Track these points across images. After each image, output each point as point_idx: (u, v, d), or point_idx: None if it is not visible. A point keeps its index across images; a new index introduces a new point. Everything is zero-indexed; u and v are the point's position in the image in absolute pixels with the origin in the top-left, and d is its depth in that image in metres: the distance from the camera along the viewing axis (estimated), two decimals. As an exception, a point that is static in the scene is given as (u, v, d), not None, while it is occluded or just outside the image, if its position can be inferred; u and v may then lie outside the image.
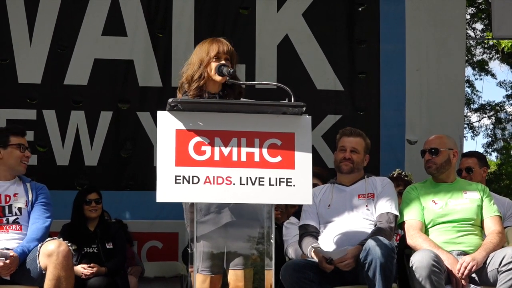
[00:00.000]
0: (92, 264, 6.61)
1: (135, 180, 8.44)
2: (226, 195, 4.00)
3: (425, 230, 5.40)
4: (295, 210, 6.21)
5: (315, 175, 5.80)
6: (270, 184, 4.02)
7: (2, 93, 8.40)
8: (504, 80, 21.73)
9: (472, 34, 19.31)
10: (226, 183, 3.99)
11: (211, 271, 4.39)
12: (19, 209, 5.34)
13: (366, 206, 5.39)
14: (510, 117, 21.90)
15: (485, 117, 22.34)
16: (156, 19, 8.70)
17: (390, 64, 8.90)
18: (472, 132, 22.27)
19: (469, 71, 20.49)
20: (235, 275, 4.39)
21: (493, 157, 22.48)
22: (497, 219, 5.41)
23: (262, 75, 8.40)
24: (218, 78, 4.51)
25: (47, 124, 8.38)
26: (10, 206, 5.33)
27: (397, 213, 5.38)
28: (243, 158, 4.03)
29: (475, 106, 21.93)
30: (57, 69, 8.47)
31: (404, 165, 8.43)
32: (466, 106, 20.46)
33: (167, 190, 3.95)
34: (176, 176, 3.96)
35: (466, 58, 16.75)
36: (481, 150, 21.48)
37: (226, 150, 4.02)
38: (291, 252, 5.88)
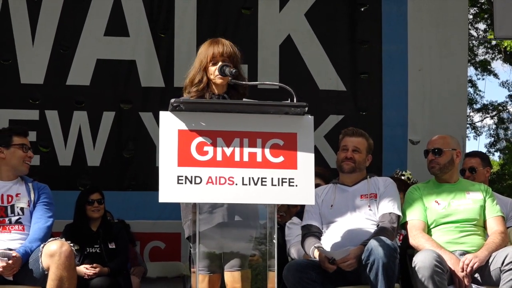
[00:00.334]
0: (94, 264, 6.61)
1: (138, 180, 8.45)
2: (229, 195, 4.00)
3: (428, 230, 5.40)
4: (298, 210, 6.20)
5: (318, 175, 5.80)
6: (272, 184, 4.02)
7: (4, 93, 8.41)
8: (507, 80, 21.77)
9: (474, 34, 19.31)
10: (229, 183, 3.99)
11: (210, 271, 4.39)
12: (22, 209, 5.34)
13: (369, 206, 5.39)
14: (513, 117, 21.92)
15: (487, 117, 22.36)
16: (158, 19, 8.71)
17: (392, 65, 8.91)
18: (475, 132, 22.28)
19: (471, 71, 20.51)
20: (231, 277, 4.39)
21: (495, 157, 22.49)
22: (500, 219, 5.41)
23: (264, 75, 8.40)
24: (219, 81, 4.52)
25: (50, 125, 8.39)
26: (12, 206, 5.33)
27: (400, 213, 5.37)
28: (246, 158, 4.03)
29: (478, 106, 21.95)
30: (59, 69, 8.48)
31: (407, 165, 8.42)
32: (469, 106, 20.47)
33: (169, 190, 3.95)
34: (178, 177, 3.95)
35: (469, 58, 16.77)
36: (483, 150, 21.54)
37: (228, 150, 4.02)
38: (294, 252, 5.87)
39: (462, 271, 5.04)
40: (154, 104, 8.30)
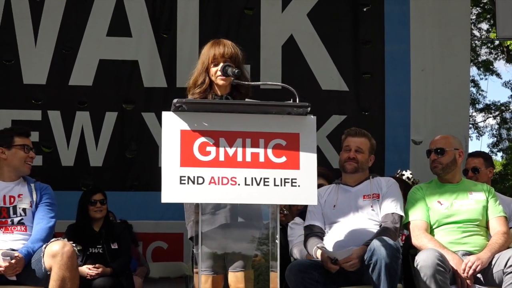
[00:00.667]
0: (97, 265, 6.61)
1: (140, 181, 8.46)
2: (231, 196, 4.00)
3: (431, 230, 5.39)
4: (300, 210, 6.20)
5: (321, 175, 5.81)
6: (275, 185, 4.02)
7: (7, 93, 8.42)
8: (510, 80, 21.75)
9: (477, 34, 19.30)
10: (231, 184, 3.99)
11: (213, 271, 4.39)
12: (24, 209, 5.34)
13: (371, 206, 5.38)
14: (516, 117, 21.90)
15: (490, 117, 22.34)
16: (160, 19, 8.72)
17: (395, 65, 8.90)
18: (477, 132, 22.26)
19: (474, 71, 20.50)
20: (235, 277, 4.39)
21: (498, 157, 22.47)
22: (502, 219, 5.40)
23: (267, 75, 8.40)
24: (221, 82, 4.53)
25: (52, 125, 8.40)
26: (14, 207, 5.33)
27: (402, 214, 5.37)
28: (248, 158, 4.03)
29: (480, 106, 21.93)
30: (62, 69, 8.49)
31: (409, 165, 8.41)
32: (471, 106, 20.47)
33: (172, 191, 3.95)
34: (181, 177, 3.95)
35: (471, 58, 16.75)
36: (486, 150, 21.49)
37: (231, 151, 4.02)
38: (296, 252, 5.87)
39: (465, 273, 5.04)
40: (157, 105, 8.31)
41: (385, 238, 4.97)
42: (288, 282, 5.06)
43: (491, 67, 20.92)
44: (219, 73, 4.51)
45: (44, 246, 5.04)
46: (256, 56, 8.58)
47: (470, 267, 5.03)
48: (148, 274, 7.85)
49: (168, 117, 4.01)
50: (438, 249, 5.08)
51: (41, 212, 5.36)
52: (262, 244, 4.23)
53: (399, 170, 7.26)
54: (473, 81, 20.56)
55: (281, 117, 4.09)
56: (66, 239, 5.13)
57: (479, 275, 5.11)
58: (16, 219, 5.30)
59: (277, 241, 4.09)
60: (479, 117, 22.32)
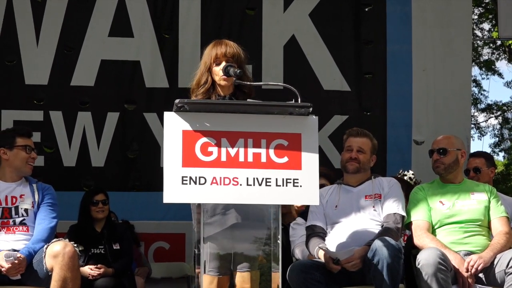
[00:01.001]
0: (99, 265, 6.62)
1: (142, 181, 8.45)
2: (233, 196, 4.00)
3: (432, 230, 5.39)
4: (302, 211, 6.20)
5: (323, 175, 5.81)
6: (277, 185, 4.02)
7: (9, 94, 8.42)
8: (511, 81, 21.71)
9: (479, 34, 19.29)
10: (233, 184, 3.99)
11: (219, 272, 4.38)
12: (26, 210, 5.34)
13: (373, 206, 5.39)
14: (517, 117, 21.88)
15: (492, 117, 22.31)
16: (162, 20, 8.71)
17: (396, 65, 8.90)
18: (479, 132, 22.24)
19: (476, 70, 20.47)
20: (241, 277, 4.38)
21: (500, 157, 22.46)
22: (504, 220, 5.40)
23: (268, 75, 8.40)
24: (223, 82, 4.54)
25: (54, 125, 8.40)
26: (16, 208, 5.33)
27: (404, 214, 5.37)
28: (250, 158, 4.03)
29: (482, 106, 21.90)
30: (64, 70, 8.49)
31: (411, 165, 8.41)
32: (473, 106, 20.44)
33: (174, 191, 3.95)
34: (183, 177, 3.96)
35: (473, 57, 16.74)
36: (488, 150, 21.48)
37: (233, 151, 4.02)
38: (298, 252, 5.87)
39: (467, 272, 5.04)
40: (159, 105, 8.30)
41: (387, 238, 4.97)
42: (290, 283, 5.06)
43: (493, 66, 20.89)
44: (221, 73, 4.51)
45: (45, 246, 5.04)
46: (258, 56, 8.57)
47: (473, 266, 5.03)
48: (150, 274, 7.85)
49: (170, 117, 4.02)
50: (440, 248, 5.08)
51: (43, 212, 5.36)
52: (264, 245, 4.23)
53: (401, 170, 7.26)
54: (474, 81, 20.54)
55: (283, 117, 4.09)
56: (67, 240, 5.13)
57: (481, 275, 5.11)
58: (18, 220, 5.30)
59: (279, 242, 4.09)
60: (481, 117, 22.30)
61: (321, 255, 5.18)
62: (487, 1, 18.02)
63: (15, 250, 5.11)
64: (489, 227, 5.41)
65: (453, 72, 8.93)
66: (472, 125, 19.99)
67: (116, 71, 8.60)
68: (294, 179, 4.04)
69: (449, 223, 5.36)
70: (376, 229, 5.28)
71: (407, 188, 6.11)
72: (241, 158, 4.02)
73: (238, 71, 4.46)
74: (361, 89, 8.92)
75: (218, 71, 4.55)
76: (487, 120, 22.47)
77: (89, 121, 8.45)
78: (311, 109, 4.10)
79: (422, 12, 8.95)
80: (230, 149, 4.02)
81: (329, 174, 6.48)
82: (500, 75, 21.20)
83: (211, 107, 4.16)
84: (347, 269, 5.06)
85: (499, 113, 22.19)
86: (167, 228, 8.35)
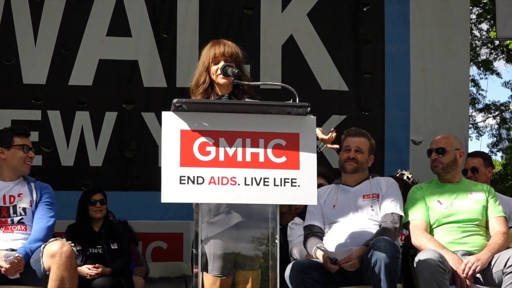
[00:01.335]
0: (97, 265, 6.61)
1: (140, 181, 8.46)
2: (231, 196, 4.00)
3: (430, 230, 5.40)
4: (300, 211, 6.20)
5: (321, 175, 5.81)
6: (275, 185, 4.02)
7: (7, 93, 8.42)
8: (509, 81, 21.74)
9: (477, 34, 19.30)
10: (231, 184, 3.99)
11: (222, 273, 4.38)
12: (24, 209, 5.34)
13: (371, 206, 5.39)
14: (516, 117, 21.90)
15: (490, 117, 22.34)
16: (160, 19, 8.71)
17: (394, 65, 8.90)
18: (477, 132, 22.26)
19: (474, 70, 20.49)
20: (242, 277, 4.39)
21: (498, 157, 22.48)
22: (502, 219, 5.41)
23: (266, 75, 8.39)
24: (221, 81, 4.54)
25: (52, 125, 8.40)
26: (14, 207, 5.33)
27: (402, 213, 5.37)
28: (248, 158, 4.03)
29: (480, 106, 21.92)
30: (62, 69, 8.49)
31: (409, 165, 8.42)
32: (471, 106, 20.46)
33: (172, 191, 3.95)
34: (181, 177, 3.96)
35: (471, 57, 16.74)
36: (486, 150, 21.50)
37: (230, 151, 4.02)
38: (296, 252, 5.87)
39: (464, 274, 5.04)
40: (157, 104, 8.31)
41: (384, 238, 4.98)
42: (288, 282, 5.06)
43: (491, 66, 20.91)
44: (219, 71, 4.52)
45: (42, 246, 5.04)
46: (256, 56, 8.56)
47: (470, 268, 5.04)
48: (147, 274, 7.85)
49: (168, 117, 4.02)
50: (438, 250, 5.08)
51: (40, 211, 5.36)
52: (262, 244, 4.23)
53: (399, 170, 7.26)
54: (473, 80, 20.56)
55: (281, 117, 4.09)
56: (65, 239, 5.12)
57: (478, 275, 5.11)
58: (16, 219, 5.30)
59: (277, 241, 4.09)
60: (479, 117, 22.33)
61: (319, 255, 5.18)
62: (485, 1, 18.03)
63: (13, 250, 5.10)
64: (487, 227, 5.42)
65: (451, 72, 8.94)
66: (470, 125, 20.02)
67: (114, 71, 8.60)
68: (292, 179, 4.04)
69: (447, 223, 5.36)
70: (374, 228, 5.28)
71: (404, 187, 6.11)
72: (239, 158, 4.02)
73: (236, 70, 4.47)
74: (359, 89, 8.92)
75: (215, 70, 4.55)
76: (485, 120, 22.51)
77: (87, 121, 8.45)
78: (309, 109, 4.11)
79: (420, 12, 8.96)
80: (228, 149, 4.02)
81: (327, 174, 6.48)
82: (498, 74, 21.22)
83: (209, 106, 4.16)
84: (345, 269, 5.06)
85: (497, 113, 22.21)
86: (165, 227, 8.36)
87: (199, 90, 4.59)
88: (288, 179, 4.04)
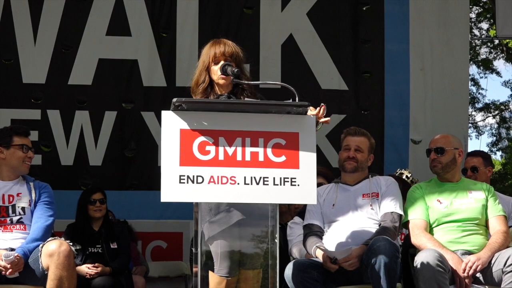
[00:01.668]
0: (96, 264, 6.61)
1: (140, 180, 8.46)
2: (231, 195, 4.00)
3: (430, 229, 5.39)
4: (299, 210, 6.20)
5: (320, 174, 5.81)
6: (274, 184, 4.02)
7: (6, 93, 8.42)
8: (509, 80, 21.75)
9: (477, 33, 19.31)
10: (231, 183, 3.99)
11: (228, 274, 4.37)
12: (23, 208, 5.34)
13: (371, 205, 5.39)
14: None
15: (489, 116, 22.34)
16: (160, 19, 8.71)
17: (394, 64, 8.90)
18: (477, 131, 22.26)
19: (473, 69, 20.50)
20: (244, 275, 4.39)
21: (497, 157, 22.48)
22: (502, 218, 5.40)
23: (266, 74, 8.39)
24: (221, 81, 4.54)
25: (52, 124, 8.40)
26: (13, 206, 5.33)
27: (402, 213, 5.37)
28: (248, 157, 4.03)
29: (480, 105, 21.93)
30: (61, 69, 8.49)
31: (408, 164, 8.42)
32: (471, 105, 20.47)
33: (171, 190, 3.95)
34: (180, 176, 3.95)
35: (471, 56, 16.74)
36: (485, 149, 21.51)
37: (230, 150, 4.02)
38: (295, 252, 5.87)
39: (464, 273, 5.04)
40: (156, 104, 8.32)
41: (384, 237, 4.98)
42: (288, 282, 5.06)
43: (490, 65, 20.92)
44: (219, 72, 4.52)
45: (41, 245, 5.03)
46: (256, 56, 8.56)
47: (470, 267, 5.03)
48: (147, 273, 7.85)
49: (167, 116, 4.01)
50: (437, 249, 5.08)
51: (39, 210, 5.35)
52: (262, 243, 4.23)
53: (398, 169, 7.26)
54: (472, 79, 20.58)
55: (281, 116, 4.09)
56: (63, 238, 5.12)
57: (478, 275, 5.11)
58: (15, 218, 5.30)
59: (277, 240, 4.09)
60: (478, 116, 22.34)
61: (318, 254, 5.18)
62: (485, 0, 18.03)
63: (12, 249, 5.10)
64: (486, 226, 5.41)
65: (451, 71, 8.94)
66: (470, 124, 20.02)
67: (113, 70, 8.61)
68: (291, 178, 4.04)
69: (447, 222, 5.36)
70: (374, 228, 5.28)
71: (403, 187, 6.11)
72: (239, 157, 4.02)
73: (236, 69, 4.46)
74: (358, 88, 8.92)
75: (216, 70, 4.55)
76: (484, 119, 22.51)
77: (86, 120, 8.45)
78: (308, 108, 4.11)
79: (419, 12, 8.96)
80: (227, 148, 4.02)
81: (326, 173, 6.48)
82: (498, 73, 21.23)
83: (208, 106, 4.16)
84: (344, 268, 5.06)
85: (496, 112, 22.21)
86: (165, 227, 8.36)
87: (199, 89, 4.59)
88: (288, 178, 4.03)
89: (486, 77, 21.57)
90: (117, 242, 6.87)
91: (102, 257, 6.74)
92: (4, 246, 5.14)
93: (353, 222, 5.33)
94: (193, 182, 3.96)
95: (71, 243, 5.03)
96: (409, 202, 5.51)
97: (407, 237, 5.61)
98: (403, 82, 8.87)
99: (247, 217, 4.30)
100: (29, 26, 8.43)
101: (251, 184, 4.00)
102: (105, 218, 6.98)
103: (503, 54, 20.41)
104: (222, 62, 4.52)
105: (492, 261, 5.09)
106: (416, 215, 5.42)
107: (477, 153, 6.80)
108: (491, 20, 18.23)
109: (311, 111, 4.31)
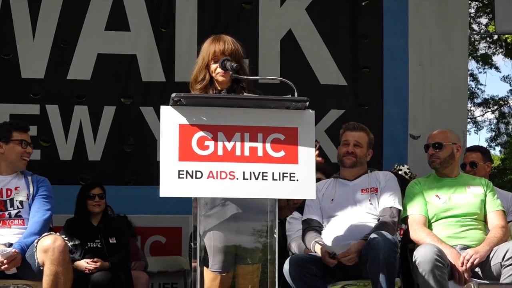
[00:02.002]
0: (95, 259, 6.62)
1: (138, 175, 8.45)
2: (230, 190, 4.00)
3: (429, 224, 5.40)
4: (298, 205, 6.20)
5: (318, 169, 5.80)
6: (273, 179, 4.02)
7: (5, 88, 8.41)
8: (508, 75, 21.74)
9: (476, 28, 19.30)
10: (230, 178, 3.99)
11: (222, 269, 4.37)
12: (21, 202, 5.33)
13: (369, 200, 5.39)
14: (514, 111, 21.90)
15: (488, 111, 22.34)
16: (159, 13, 8.70)
17: (393, 59, 8.90)
18: (476, 126, 22.26)
19: (472, 64, 20.49)
20: (242, 270, 4.39)
21: (496, 152, 22.49)
22: (500, 213, 5.41)
23: (265, 70, 8.38)
24: (221, 78, 4.54)
25: (51, 119, 8.39)
26: (11, 200, 5.32)
27: (401, 208, 5.37)
28: (247, 152, 4.03)
29: (479, 100, 21.92)
30: (60, 64, 8.48)
31: (407, 160, 8.43)
32: (470, 100, 20.47)
33: (170, 185, 3.95)
34: (179, 171, 3.96)
35: (470, 51, 16.74)
36: (484, 144, 21.51)
37: (229, 145, 4.02)
38: (294, 247, 5.88)
39: (462, 266, 5.05)
40: (155, 99, 8.31)
41: (383, 232, 4.98)
42: (286, 277, 5.06)
43: (489, 60, 20.92)
44: (219, 69, 4.51)
45: (36, 240, 5.02)
46: (255, 51, 8.55)
47: (468, 260, 5.04)
48: (146, 268, 7.85)
49: (166, 111, 4.02)
50: (436, 244, 5.08)
51: (37, 204, 5.34)
52: (261, 237, 4.23)
53: (396, 165, 7.26)
54: (471, 74, 20.58)
55: (280, 112, 4.10)
56: (58, 234, 5.11)
57: (476, 269, 5.11)
58: (13, 212, 5.29)
59: (276, 235, 4.09)
60: (477, 112, 22.33)
61: (317, 249, 5.18)
62: (483, -5, 18.04)
63: (10, 244, 5.10)
64: (485, 221, 5.42)
65: (450, 67, 8.94)
66: (469, 120, 20.02)
67: (112, 65, 8.60)
68: (290, 173, 4.04)
69: (446, 217, 5.36)
70: (373, 223, 5.28)
71: (402, 182, 6.11)
72: (238, 152, 4.02)
73: (235, 65, 4.46)
74: (357, 83, 8.92)
75: (215, 68, 4.55)
76: (483, 115, 22.51)
77: (85, 115, 8.45)
78: (307, 103, 4.11)
79: (419, 7, 8.96)
80: (226, 143, 4.02)
81: (325, 168, 6.48)
82: (497, 68, 21.22)
83: (207, 101, 4.16)
84: (343, 263, 5.07)
85: (495, 107, 22.21)
86: (164, 222, 8.36)
87: (198, 87, 4.59)
88: (287, 173, 4.04)
89: (485, 72, 21.59)
90: (116, 237, 6.88)
91: (101, 252, 6.74)
92: (3, 241, 5.14)
93: (352, 217, 5.33)
94: (192, 177, 3.97)
95: (66, 238, 5.02)
96: (408, 198, 5.51)
97: (406, 232, 5.61)
98: (402, 77, 8.88)
99: (244, 211, 4.29)
100: (28, 21, 8.42)
101: (250, 179, 4.01)
102: (104, 213, 6.98)
103: (502, 49, 20.41)
104: (226, 57, 4.52)
105: (491, 255, 5.09)
106: (415, 210, 5.42)
107: (476, 148, 6.81)
108: (490, 15, 18.22)
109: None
